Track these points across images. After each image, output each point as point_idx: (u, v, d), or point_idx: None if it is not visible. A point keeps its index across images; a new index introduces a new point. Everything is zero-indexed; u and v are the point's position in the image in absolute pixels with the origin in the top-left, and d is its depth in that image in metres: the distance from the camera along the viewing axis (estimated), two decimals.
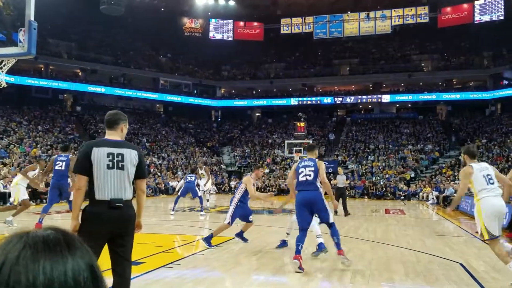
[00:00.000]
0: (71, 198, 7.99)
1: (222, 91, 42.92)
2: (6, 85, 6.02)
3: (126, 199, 3.24)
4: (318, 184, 5.91)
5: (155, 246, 7.15)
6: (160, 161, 30.28)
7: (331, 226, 5.92)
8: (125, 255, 3.26)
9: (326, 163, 20.13)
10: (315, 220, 6.27)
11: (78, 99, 36.28)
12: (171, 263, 5.86)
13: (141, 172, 3.38)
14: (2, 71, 6.03)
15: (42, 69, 34.76)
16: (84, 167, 3.20)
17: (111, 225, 3.17)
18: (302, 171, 5.96)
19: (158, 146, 33.10)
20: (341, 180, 14.42)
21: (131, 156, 3.29)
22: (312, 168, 5.90)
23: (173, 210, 13.22)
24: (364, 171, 29.05)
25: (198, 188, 13.37)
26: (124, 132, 3.46)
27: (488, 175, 5.20)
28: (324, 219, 5.93)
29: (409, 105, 39.24)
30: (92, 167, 3.17)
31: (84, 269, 0.72)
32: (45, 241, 0.71)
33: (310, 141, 28.26)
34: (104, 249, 3.23)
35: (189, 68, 41.84)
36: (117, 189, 3.20)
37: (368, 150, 32.40)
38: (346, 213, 13.45)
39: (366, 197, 25.20)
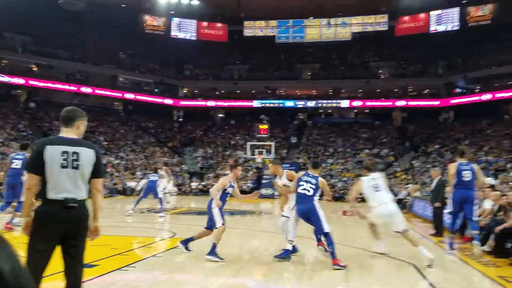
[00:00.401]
0: (22, 199, 7.64)
1: (185, 91, 42.41)
2: None
3: (80, 199, 3.13)
4: (316, 198, 6.37)
5: (111, 249, 6.93)
6: (118, 161, 29.51)
7: (326, 236, 6.18)
8: (78, 256, 3.15)
9: (288, 165, 20.15)
10: (293, 224, 6.60)
11: (32, 95, 34.72)
12: (127, 265, 5.70)
13: (97, 172, 3.26)
14: None
15: None
16: (36, 165, 3.06)
17: (65, 226, 3.06)
18: (303, 185, 6.38)
19: (116, 145, 32.25)
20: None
21: (87, 155, 3.18)
22: (314, 186, 6.37)
23: (132, 210, 12.94)
24: (323, 174, 29.60)
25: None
26: (81, 130, 3.34)
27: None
28: (318, 231, 6.30)
29: (367, 110, 40.39)
30: (45, 166, 3.04)
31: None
32: None
33: (272, 143, 28.50)
34: (56, 251, 3.10)
35: (150, 66, 41.06)
36: (71, 189, 3.09)
37: (327, 153, 33.07)
38: None
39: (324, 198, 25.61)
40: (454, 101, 35.91)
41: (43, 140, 3.20)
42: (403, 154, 32.59)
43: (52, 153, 3.06)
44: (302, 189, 6.39)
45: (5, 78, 32.18)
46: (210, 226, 6.68)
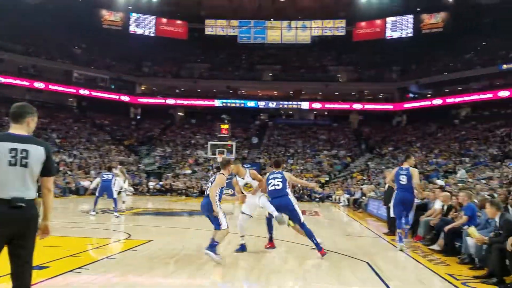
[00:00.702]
0: None
1: (143, 88, 41.50)
2: None
3: (28, 199, 2.98)
4: (288, 191, 6.97)
5: (62, 250, 6.66)
6: (71, 159, 28.44)
7: (302, 226, 6.87)
8: (26, 258, 3.00)
9: (249, 165, 20.41)
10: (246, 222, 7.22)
11: None
12: (79, 267, 5.49)
13: (48, 170, 3.12)
14: None
15: None
16: None
17: (12, 226, 2.90)
18: (271, 182, 6.94)
19: (69, 143, 31.08)
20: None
21: (37, 153, 3.03)
22: (280, 179, 6.94)
23: (93, 211, 12.58)
24: None
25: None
26: (31, 127, 3.19)
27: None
28: (295, 221, 7.02)
29: (326, 112, 41.24)
30: None
31: None
32: None
33: (233, 143, 28.44)
34: (4, 252, 2.94)
35: (106, 61, 39.86)
36: (19, 188, 2.94)
37: (288, 154, 33.46)
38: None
39: None
40: (407, 105, 37.41)
41: None
42: (359, 156, 33.54)
43: (0, 150, 2.91)
44: (271, 186, 6.92)
45: None
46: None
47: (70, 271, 5.29)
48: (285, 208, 6.83)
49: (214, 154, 27.28)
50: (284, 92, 41.29)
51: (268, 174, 7.32)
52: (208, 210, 6.29)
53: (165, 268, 5.72)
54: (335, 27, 41.65)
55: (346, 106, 39.12)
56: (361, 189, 21.16)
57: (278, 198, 6.84)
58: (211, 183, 6.54)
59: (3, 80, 32.59)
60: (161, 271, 5.57)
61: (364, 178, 27.75)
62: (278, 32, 42.38)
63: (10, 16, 34.32)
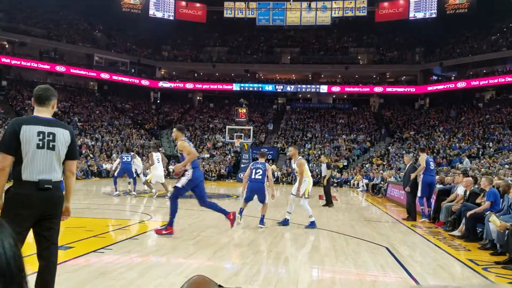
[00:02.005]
0: None
1: (162, 72, 41.68)
2: None
3: (55, 181, 3.05)
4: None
5: (86, 231, 6.85)
6: (93, 142, 28.96)
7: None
8: (52, 239, 3.09)
9: (266, 150, 21.08)
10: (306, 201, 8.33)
11: (4, 73, 33.46)
12: (102, 248, 5.64)
13: (72, 153, 3.18)
14: None
15: None
16: (11, 145, 2.94)
17: (39, 207, 2.98)
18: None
19: (91, 127, 31.59)
20: (322, 169, 14.23)
21: (62, 136, 3.09)
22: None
23: (116, 192, 13.13)
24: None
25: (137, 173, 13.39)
26: (54, 110, 3.23)
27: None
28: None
29: (345, 96, 40.72)
30: (20, 146, 2.93)
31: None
32: None
33: (251, 128, 28.49)
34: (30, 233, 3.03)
35: (126, 45, 40.09)
36: (47, 170, 3.00)
37: (305, 138, 33.30)
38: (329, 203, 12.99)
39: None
40: (430, 88, 36.56)
41: (18, 120, 3.07)
42: (379, 140, 33.12)
43: (28, 133, 2.96)
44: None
45: None
46: (249, 200, 8.32)
47: (94, 251, 5.44)
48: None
49: (232, 138, 27.35)
50: (302, 75, 40.88)
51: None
52: (259, 190, 8.08)
53: (185, 249, 5.83)
54: (356, 7, 40.71)
55: (366, 89, 38.51)
56: (382, 174, 20.96)
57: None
58: (261, 170, 8.11)
59: (25, 64, 33.17)
60: (182, 252, 5.68)
61: (384, 163, 27.46)
62: (297, 14, 41.70)
63: (32, 1, 34.76)
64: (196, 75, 41.34)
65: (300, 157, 8.67)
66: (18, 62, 32.84)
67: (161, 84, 40.06)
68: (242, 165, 26.33)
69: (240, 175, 26.08)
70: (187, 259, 5.32)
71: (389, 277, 4.88)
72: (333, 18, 41.31)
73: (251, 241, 6.69)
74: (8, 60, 32.43)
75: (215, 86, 39.98)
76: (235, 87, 39.00)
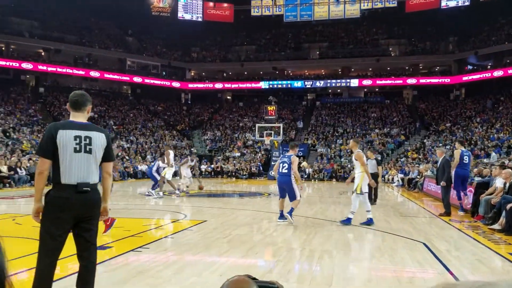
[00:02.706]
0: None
1: (192, 73, 42.27)
2: None
3: (92, 183, 3.15)
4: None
5: (123, 230, 7.04)
6: (128, 145, 29.71)
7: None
8: (92, 240, 3.19)
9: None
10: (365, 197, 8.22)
11: (41, 80, 34.87)
12: (140, 247, 5.79)
13: (108, 155, 3.28)
14: None
15: (3, 48, 33.15)
16: (49, 150, 3.05)
17: (78, 210, 3.08)
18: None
19: (126, 129, 32.42)
20: (371, 166, 11.87)
21: (99, 139, 3.19)
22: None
23: (178, 191, 13.99)
24: (332, 155, 29.53)
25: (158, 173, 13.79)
26: (89, 114, 3.34)
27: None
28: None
29: (377, 89, 39.94)
30: (58, 150, 3.04)
31: None
32: None
33: (281, 125, 28.44)
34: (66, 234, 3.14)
35: (157, 48, 40.89)
36: (84, 173, 3.10)
37: (336, 134, 32.91)
38: (374, 200, 12.19)
39: (334, 179, 25.68)
40: (466, 78, 35.32)
41: (55, 125, 3.18)
42: (414, 133, 32.32)
43: (65, 138, 3.06)
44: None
45: (14, 63, 32.31)
46: (283, 195, 8.29)
47: (132, 250, 5.59)
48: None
49: (261, 136, 27.39)
50: (332, 70, 40.41)
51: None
52: (286, 184, 8.05)
53: (219, 247, 5.90)
54: None
55: (399, 81, 37.62)
56: (418, 168, 20.45)
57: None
58: (286, 163, 8.08)
59: (61, 70, 34.40)
60: (216, 250, 5.75)
61: (419, 156, 26.78)
62: (325, 8, 41.19)
63: (63, 8, 35.97)
64: (225, 74, 41.66)
65: (358, 149, 8.55)
66: (54, 69, 34.10)
67: (191, 85, 40.61)
68: (272, 163, 26.35)
69: (271, 173, 26.12)
70: (221, 257, 5.39)
71: (427, 273, 4.76)
72: (362, 11, 40.54)
73: (284, 239, 6.69)
74: (44, 68, 33.73)
75: (244, 85, 40.15)
76: (264, 85, 39.03)
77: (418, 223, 8.78)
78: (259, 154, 30.13)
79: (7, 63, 31.98)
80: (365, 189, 8.25)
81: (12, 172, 16.69)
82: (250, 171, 27.35)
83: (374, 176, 11.29)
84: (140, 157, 27.74)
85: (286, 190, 8.14)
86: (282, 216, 8.19)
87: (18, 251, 5.12)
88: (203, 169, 27.92)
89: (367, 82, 38.25)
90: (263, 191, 17.15)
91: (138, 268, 4.69)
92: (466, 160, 9.90)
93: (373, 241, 6.55)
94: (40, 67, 33.54)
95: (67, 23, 36.47)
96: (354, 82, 38.11)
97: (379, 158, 27.69)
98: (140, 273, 4.50)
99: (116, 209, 9.67)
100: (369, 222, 8.08)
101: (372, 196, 12.03)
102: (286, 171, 8.06)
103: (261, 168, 27.97)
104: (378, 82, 38.17)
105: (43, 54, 35.08)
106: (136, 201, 12.52)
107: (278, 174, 8.24)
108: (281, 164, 8.18)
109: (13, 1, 30.81)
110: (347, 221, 8.14)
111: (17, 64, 32.44)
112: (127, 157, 26.92)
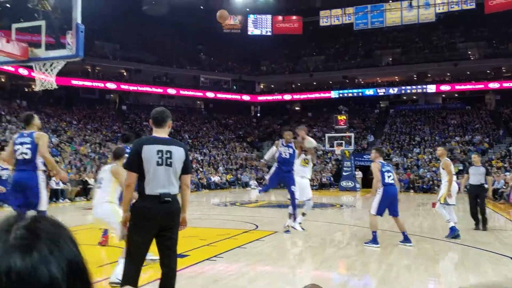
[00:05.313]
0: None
1: (261, 86, 43.02)
2: (56, 87, 6.33)
3: (173, 194, 3.38)
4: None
5: (199, 240, 7.31)
6: (202, 157, 30.84)
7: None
8: (173, 247, 3.40)
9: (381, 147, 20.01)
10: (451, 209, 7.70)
11: (123, 98, 37.60)
12: (215, 256, 5.98)
13: (186, 168, 3.49)
14: (52, 73, 6.34)
15: (89, 70, 36.27)
16: (134, 164, 3.33)
17: (161, 219, 3.31)
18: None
19: (199, 142, 33.72)
20: (477, 175, 9.14)
21: (178, 153, 3.41)
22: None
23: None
24: (409, 164, 28.24)
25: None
26: (169, 129, 3.59)
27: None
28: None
29: (456, 95, 37.65)
30: (143, 164, 3.30)
31: (55, 265, 0.66)
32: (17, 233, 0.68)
33: (352, 134, 27.81)
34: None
35: (228, 64, 42.25)
36: (166, 185, 3.33)
37: (413, 143, 31.46)
38: (484, 226, 8.90)
39: (412, 190, 24.50)
40: None
41: (140, 140, 3.49)
42: (498, 141, 29.91)
43: (149, 152, 3.32)
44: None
45: (100, 84, 35.22)
46: (395, 210, 7.15)
47: (207, 259, 5.80)
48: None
49: (332, 146, 26.99)
50: (406, 76, 38.86)
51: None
52: (396, 197, 7.14)
53: (291, 259, 5.92)
54: (463, 1, 37.57)
55: (480, 86, 35.11)
56: (504, 177, 18.89)
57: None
58: (391, 173, 7.06)
59: (141, 89, 36.85)
60: (288, 261, 5.77)
61: (505, 165, 24.69)
62: (397, 14, 39.83)
63: (142, 30, 38.56)
64: (293, 86, 41.84)
65: (447, 158, 8.10)
66: (135, 88, 36.62)
67: (261, 97, 41.31)
68: (344, 173, 25.81)
69: (343, 184, 25.55)
70: (293, 268, 5.40)
71: None
72: (437, 14, 38.65)
73: (358, 252, 6.52)
74: (126, 87, 36.35)
75: (313, 95, 39.97)
76: (333, 94, 38.54)
77: (505, 236, 8.11)
78: (330, 165, 29.69)
79: (93, 84, 34.94)
80: (452, 201, 7.67)
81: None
82: (320, 182, 27.02)
83: (480, 189, 9.03)
84: (213, 169, 28.67)
85: (395, 204, 7.06)
86: (407, 238, 6.91)
87: (102, 260, 5.54)
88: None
89: (445, 87, 36.22)
90: (334, 202, 16.86)
91: (213, 277, 4.85)
92: None
93: (455, 255, 6.16)
94: (122, 86, 36.17)
95: (146, 44, 39.01)
96: (431, 88, 36.29)
97: (461, 168, 26.02)
98: (216, 281, 4.65)
99: (192, 218, 10.07)
100: (452, 233, 7.57)
101: (479, 216, 8.91)
102: (393, 181, 7.04)
103: (332, 179, 27.52)
104: (457, 87, 35.94)
105: (125, 74, 37.82)
106: (210, 211, 12.93)
107: (384, 184, 6.89)
108: (386, 173, 6.96)
109: (97, 26, 33.62)
110: (452, 232, 7.58)
111: (102, 85, 35.27)
112: (200, 169, 27.94)
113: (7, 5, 6.29)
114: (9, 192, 5.00)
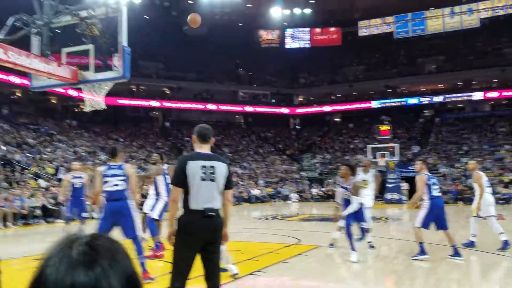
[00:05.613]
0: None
1: (300, 99, 42.95)
2: (105, 107, 6.64)
3: (216, 209, 3.44)
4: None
5: (241, 254, 7.31)
6: (242, 171, 31.05)
7: None
8: (216, 261, 3.44)
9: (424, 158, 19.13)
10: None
11: (166, 115, 38.76)
12: (257, 270, 5.96)
13: (229, 183, 3.55)
14: (101, 94, 6.66)
15: (134, 90, 37.72)
16: (180, 179, 3.41)
17: (205, 233, 3.37)
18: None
19: (239, 156, 34.00)
20: None
21: (221, 169, 3.47)
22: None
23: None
24: (457, 175, 27.10)
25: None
26: (211, 144, 3.68)
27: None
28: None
29: (504, 101, 35.92)
30: (187, 179, 3.38)
31: (115, 279, 0.70)
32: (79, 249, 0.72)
33: (395, 145, 27.10)
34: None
35: (266, 78, 42.57)
36: (210, 199, 3.39)
37: (461, 152, 30.21)
38: None
39: (461, 202, 23.44)
40: None
41: (185, 156, 3.61)
42: None
43: (193, 168, 3.40)
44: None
45: (144, 102, 36.54)
46: (443, 224, 6.83)
47: (250, 273, 5.78)
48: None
49: (375, 157, 26.38)
50: (450, 84, 37.56)
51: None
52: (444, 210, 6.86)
53: (336, 274, 5.80)
54: (508, 5, 36.05)
55: None
56: None
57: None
58: (437, 184, 7.06)
59: (183, 105, 37.85)
60: (333, 277, 5.66)
61: None
62: (439, 21, 38.79)
63: (183, 49, 39.74)
64: (333, 97, 41.49)
65: (478, 171, 8.20)
66: (178, 105, 37.70)
67: (299, 110, 41.22)
68: (388, 185, 25.09)
69: (388, 196, 24.82)
70: (339, 284, 5.29)
71: None
72: (481, 20, 37.28)
73: (406, 266, 6.29)
74: (169, 104, 37.51)
75: (353, 106, 39.42)
76: (374, 104, 37.83)
77: None
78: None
79: (138, 103, 36.29)
80: (486, 212, 7.68)
81: (144, 199, 18.54)
82: None
83: None
84: (253, 182, 28.75)
85: (442, 217, 6.77)
86: (457, 252, 6.59)
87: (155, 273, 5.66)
88: (314, 193, 27.80)
89: (492, 94, 34.68)
90: (379, 215, 16.41)
91: None
92: None
93: (508, 269, 5.81)
94: (165, 104, 37.33)
95: (187, 62, 40.12)
96: (478, 95, 34.84)
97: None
98: None
99: (233, 232, 10.12)
100: (505, 245, 7.27)
101: None
102: (440, 194, 6.91)
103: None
104: (505, 93, 34.32)
105: (167, 92, 39.01)
106: (251, 224, 12.94)
107: (431, 198, 6.71)
108: (432, 186, 6.81)
109: (141, 47, 34.96)
110: (505, 245, 7.34)
111: (147, 103, 36.61)
112: (241, 182, 28.11)
113: (58, 31, 6.70)
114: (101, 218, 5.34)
